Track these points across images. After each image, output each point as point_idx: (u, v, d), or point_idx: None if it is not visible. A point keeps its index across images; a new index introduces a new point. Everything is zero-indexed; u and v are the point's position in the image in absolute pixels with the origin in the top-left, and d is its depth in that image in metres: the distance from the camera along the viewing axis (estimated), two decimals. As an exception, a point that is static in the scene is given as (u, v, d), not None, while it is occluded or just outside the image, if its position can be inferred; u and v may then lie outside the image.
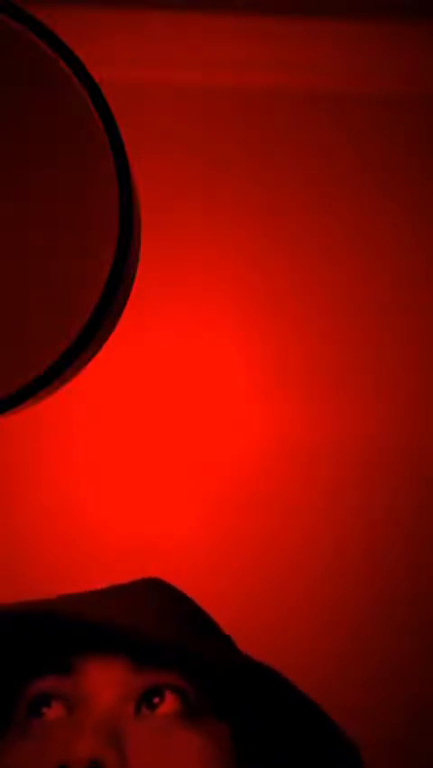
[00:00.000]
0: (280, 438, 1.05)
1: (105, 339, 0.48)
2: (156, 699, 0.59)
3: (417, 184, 1.10)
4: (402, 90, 1.11)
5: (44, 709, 0.59)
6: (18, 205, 0.46)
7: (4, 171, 0.46)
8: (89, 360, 0.47)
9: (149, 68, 1.09)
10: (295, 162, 1.09)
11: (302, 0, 1.08)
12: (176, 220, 1.06)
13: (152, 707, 0.59)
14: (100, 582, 0.69)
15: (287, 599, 1.02)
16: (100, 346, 0.48)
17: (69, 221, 0.46)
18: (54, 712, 0.59)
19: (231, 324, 1.07)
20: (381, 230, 1.09)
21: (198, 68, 1.09)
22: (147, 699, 0.59)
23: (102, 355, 0.49)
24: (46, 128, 0.46)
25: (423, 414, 1.06)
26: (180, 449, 1.05)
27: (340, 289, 1.08)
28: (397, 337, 1.08)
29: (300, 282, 1.08)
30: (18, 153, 0.46)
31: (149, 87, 1.08)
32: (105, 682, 0.59)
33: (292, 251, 1.08)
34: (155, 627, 0.61)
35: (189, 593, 0.70)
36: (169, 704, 0.59)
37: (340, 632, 1.02)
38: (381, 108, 1.10)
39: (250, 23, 1.09)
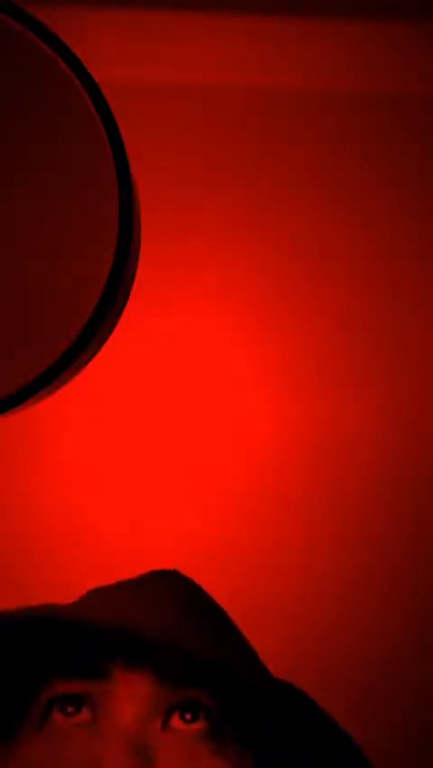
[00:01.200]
0: (282, 436, 1.05)
1: (105, 339, 0.48)
2: (188, 715, 0.59)
3: (417, 183, 1.10)
4: (402, 90, 1.11)
5: (69, 709, 0.59)
6: (18, 205, 0.46)
7: (4, 171, 0.46)
8: (89, 360, 0.47)
9: (149, 68, 1.09)
10: (295, 162, 1.09)
11: (302, 0, 1.08)
12: (176, 220, 1.06)
13: (185, 722, 0.58)
14: (102, 582, 0.69)
15: (292, 595, 1.02)
16: (100, 346, 0.48)
17: (69, 221, 0.46)
18: (78, 714, 0.59)
19: (232, 324, 1.07)
20: (382, 228, 1.09)
21: (198, 68, 1.09)
22: (180, 713, 0.59)
23: (102, 355, 0.49)
24: (46, 128, 0.46)
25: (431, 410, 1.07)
26: (182, 448, 1.05)
27: (340, 288, 1.08)
28: (403, 333, 1.08)
29: (301, 280, 1.08)
30: (18, 153, 0.46)
31: (149, 87, 1.08)
32: (133, 692, 0.58)
33: (293, 249, 1.08)
34: (183, 634, 0.61)
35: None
36: (197, 722, 0.59)
37: (346, 628, 1.02)
38: (381, 108, 1.10)
39: (250, 23, 1.09)
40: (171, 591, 0.67)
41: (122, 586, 0.68)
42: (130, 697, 0.58)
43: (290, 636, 1.00)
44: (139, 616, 0.62)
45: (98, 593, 0.67)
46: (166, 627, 0.60)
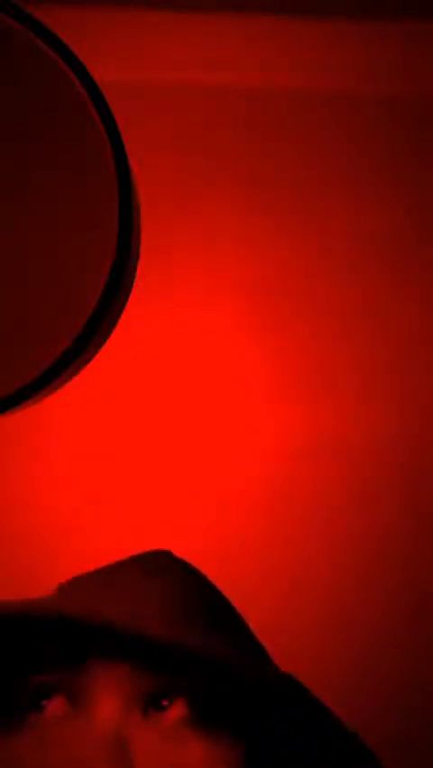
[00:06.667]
0: (282, 435, 1.05)
1: (105, 339, 0.48)
2: (165, 702, 0.58)
3: (416, 183, 1.10)
4: (402, 90, 1.11)
5: (47, 703, 0.59)
6: (18, 206, 0.46)
7: (4, 171, 0.46)
8: (89, 360, 0.48)
9: (149, 68, 1.09)
10: (295, 162, 1.09)
11: (302, 0, 1.08)
12: (176, 220, 1.06)
13: (160, 709, 0.58)
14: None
15: (292, 596, 1.02)
16: (100, 346, 0.48)
17: (69, 221, 0.46)
18: (57, 707, 0.59)
19: (231, 324, 1.07)
20: (381, 228, 1.09)
21: (198, 68, 1.09)
22: (155, 701, 0.58)
23: (102, 355, 0.49)
24: (46, 128, 0.46)
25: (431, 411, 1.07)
26: (181, 448, 1.05)
27: (340, 288, 1.08)
28: (407, 335, 1.08)
29: (301, 281, 1.08)
30: (18, 153, 0.46)
31: (149, 87, 1.08)
32: (112, 684, 0.58)
33: (293, 249, 1.08)
34: (167, 622, 0.60)
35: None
36: (177, 709, 0.58)
37: (349, 626, 1.02)
38: (381, 108, 1.10)
39: (250, 23, 1.09)
40: (161, 575, 0.66)
41: (105, 571, 0.67)
42: (109, 688, 0.58)
43: (291, 633, 1.00)
44: (119, 605, 0.61)
45: (78, 581, 0.67)
46: (146, 616, 0.60)
